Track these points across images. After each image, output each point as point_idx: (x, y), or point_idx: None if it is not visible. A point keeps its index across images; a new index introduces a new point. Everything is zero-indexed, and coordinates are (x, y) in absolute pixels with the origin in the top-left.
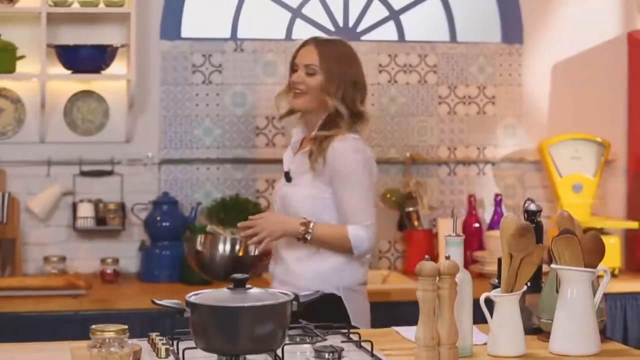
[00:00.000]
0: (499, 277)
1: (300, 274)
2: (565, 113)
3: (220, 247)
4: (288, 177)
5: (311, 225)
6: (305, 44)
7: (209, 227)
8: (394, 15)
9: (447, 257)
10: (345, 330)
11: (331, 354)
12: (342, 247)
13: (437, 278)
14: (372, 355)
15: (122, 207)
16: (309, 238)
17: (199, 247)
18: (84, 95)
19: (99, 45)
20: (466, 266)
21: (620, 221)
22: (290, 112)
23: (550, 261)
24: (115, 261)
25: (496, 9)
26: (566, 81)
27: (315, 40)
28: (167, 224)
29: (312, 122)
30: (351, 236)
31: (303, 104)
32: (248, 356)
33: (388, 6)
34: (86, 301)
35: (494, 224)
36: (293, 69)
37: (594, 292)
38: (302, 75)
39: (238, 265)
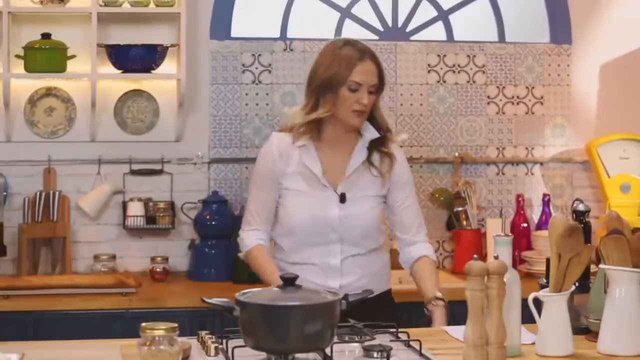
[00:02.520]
0: (547, 277)
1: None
2: (614, 113)
3: None
4: (343, 199)
5: (440, 294)
6: (361, 58)
7: None
8: (443, 16)
9: (496, 257)
10: (394, 330)
11: (380, 353)
12: None
13: (486, 278)
14: (421, 354)
15: (171, 205)
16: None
17: None
18: (134, 95)
19: (149, 45)
20: (514, 266)
21: None
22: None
23: (598, 261)
24: (165, 260)
25: (544, 9)
26: (614, 81)
27: (372, 56)
28: (217, 222)
29: (339, 136)
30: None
31: (363, 122)
32: (297, 354)
33: (437, 6)
34: (136, 299)
35: (542, 224)
36: (350, 87)
37: None
38: (368, 96)
39: None
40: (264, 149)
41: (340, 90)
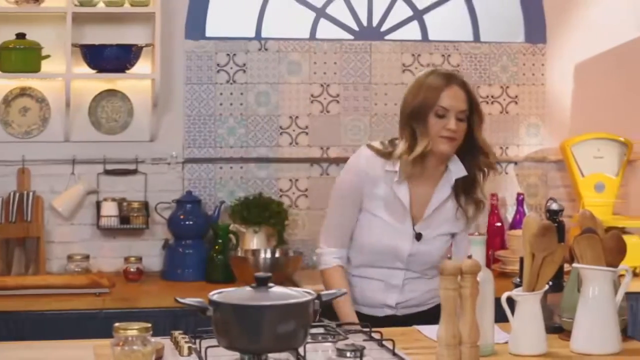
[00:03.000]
0: (520, 276)
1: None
2: (588, 112)
3: None
4: (419, 237)
5: None
6: (448, 84)
7: (232, 226)
8: (418, 15)
9: (469, 256)
10: (367, 329)
11: (353, 353)
12: None
13: (460, 277)
14: (394, 354)
15: (145, 205)
16: None
17: None
18: (109, 95)
19: (123, 45)
20: (488, 265)
21: None
22: (421, 155)
23: (572, 260)
24: (139, 260)
25: (519, 9)
26: (589, 81)
27: (460, 83)
28: (191, 222)
29: (427, 167)
30: None
31: (454, 150)
32: (270, 354)
33: (412, 6)
34: (109, 299)
35: (516, 223)
36: (437, 113)
37: (616, 291)
38: (456, 122)
39: None
40: (353, 163)
41: (428, 118)
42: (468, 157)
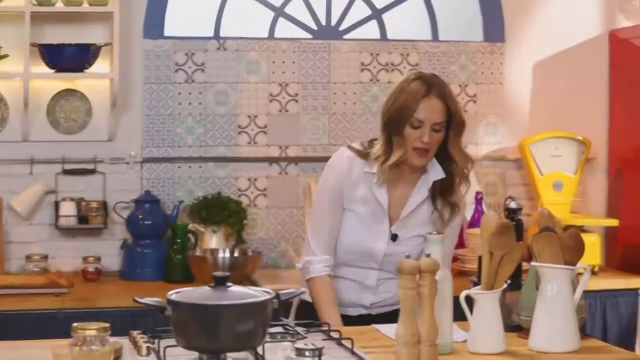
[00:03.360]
0: (479, 275)
1: None
2: (547, 112)
3: None
4: (395, 238)
5: None
6: (426, 95)
7: (191, 226)
8: (377, 15)
9: (428, 255)
10: (326, 329)
11: (312, 352)
12: None
13: (418, 276)
14: (353, 353)
15: (104, 205)
16: None
17: None
18: (68, 94)
19: (82, 45)
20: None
21: (600, 219)
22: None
23: (530, 259)
24: (98, 260)
25: (478, 8)
26: (547, 80)
27: (439, 93)
28: (150, 222)
29: (404, 171)
30: None
31: (427, 162)
32: (229, 354)
33: (371, 5)
34: (68, 300)
35: (475, 222)
36: (413, 124)
37: (574, 290)
38: (431, 134)
39: None
40: (336, 165)
41: (405, 129)
42: (447, 162)
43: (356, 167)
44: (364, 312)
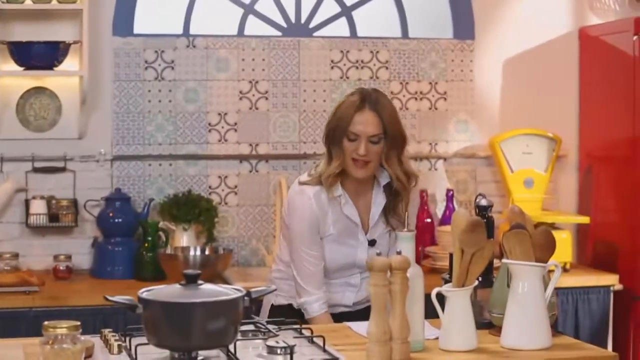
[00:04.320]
0: (450, 272)
1: None
2: (517, 108)
3: None
4: (373, 243)
5: None
6: (360, 108)
7: (161, 224)
8: (346, 12)
9: (399, 252)
10: (297, 326)
11: (283, 350)
12: None
13: (389, 273)
14: (324, 350)
15: (74, 203)
16: None
17: None
18: (37, 92)
19: (51, 42)
20: (418, 261)
21: (571, 216)
22: (336, 177)
23: (501, 256)
24: (68, 258)
25: (447, 5)
26: (517, 77)
27: (373, 106)
28: (120, 220)
29: (357, 184)
30: None
31: (368, 173)
32: (200, 352)
33: (340, 2)
34: (39, 298)
35: (445, 219)
36: (349, 137)
37: (545, 287)
38: (367, 146)
39: None
40: (304, 208)
41: (343, 141)
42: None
43: (321, 200)
44: (345, 310)
